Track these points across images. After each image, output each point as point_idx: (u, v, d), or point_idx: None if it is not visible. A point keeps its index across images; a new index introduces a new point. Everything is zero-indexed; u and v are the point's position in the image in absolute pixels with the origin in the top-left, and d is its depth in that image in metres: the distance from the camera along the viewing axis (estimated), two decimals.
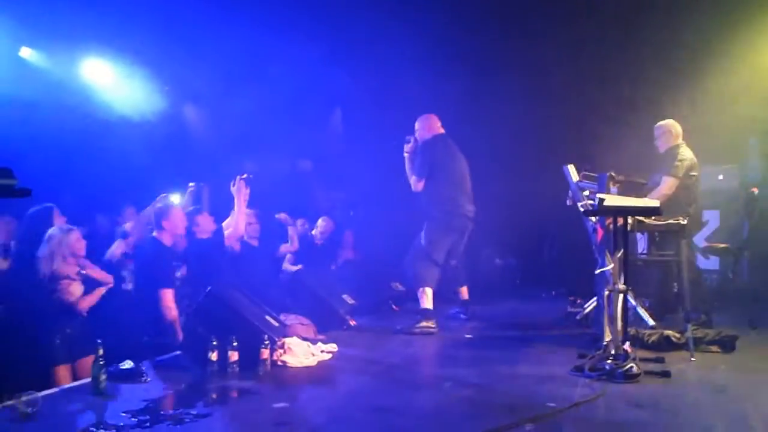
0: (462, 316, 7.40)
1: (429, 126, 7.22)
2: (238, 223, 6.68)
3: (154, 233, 6.16)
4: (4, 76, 7.44)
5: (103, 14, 7.51)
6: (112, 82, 8.77)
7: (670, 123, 6.63)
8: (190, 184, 7.52)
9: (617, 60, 8.53)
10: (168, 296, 5.79)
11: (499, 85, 9.04)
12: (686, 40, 8.32)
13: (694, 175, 6.46)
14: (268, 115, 9.73)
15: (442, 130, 7.24)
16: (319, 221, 9.10)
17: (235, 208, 6.66)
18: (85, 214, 7.54)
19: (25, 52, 7.93)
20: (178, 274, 6.34)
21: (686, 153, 6.46)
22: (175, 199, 7.87)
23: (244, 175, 6.69)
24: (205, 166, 9.35)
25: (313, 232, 8.99)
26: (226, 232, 6.68)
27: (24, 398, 3.82)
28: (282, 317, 5.82)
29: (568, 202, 6.45)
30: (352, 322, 6.99)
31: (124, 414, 3.91)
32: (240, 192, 6.62)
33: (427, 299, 6.74)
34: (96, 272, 5.58)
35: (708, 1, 8.12)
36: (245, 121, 9.80)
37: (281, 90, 9.74)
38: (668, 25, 8.50)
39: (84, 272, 5.41)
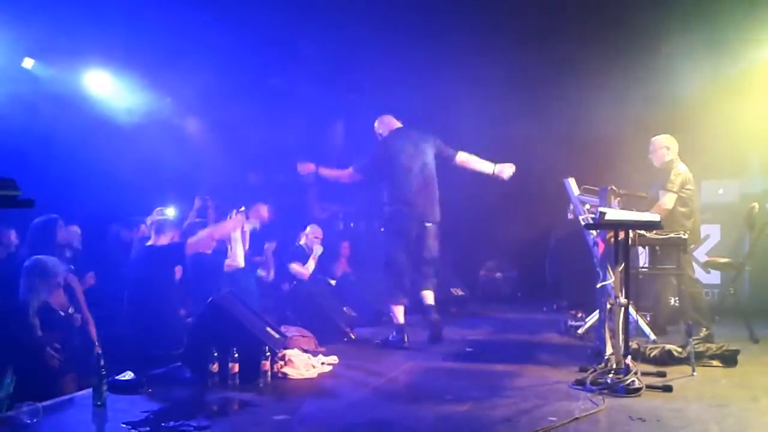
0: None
1: (385, 124, 7.05)
2: (236, 257, 6.69)
3: (149, 242, 6.28)
4: (7, 87, 7.47)
5: (105, 26, 7.54)
6: (114, 93, 8.79)
7: (665, 138, 6.68)
8: (196, 199, 7.50)
9: (618, 75, 8.55)
10: None
11: (502, 100, 9.07)
12: (687, 53, 8.34)
13: (690, 189, 6.51)
14: (270, 128, 9.75)
15: (398, 124, 7.03)
16: (308, 229, 8.47)
17: (232, 242, 6.70)
18: (91, 226, 7.58)
19: (28, 63, 7.96)
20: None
21: (681, 167, 6.51)
22: (171, 212, 7.90)
23: (242, 208, 6.78)
24: (207, 178, 9.39)
25: (302, 242, 8.34)
26: (226, 262, 6.71)
27: (25, 408, 3.82)
28: (283, 329, 5.83)
29: (570, 216, 6.46)
30: (353, 335, 6.99)
31: (124, 425, 3.93)
32: (237, 227, 6.68)
33: (397, 314, 6.63)
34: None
35: (710, 14, 8.14)
36: (247, 133, 9.83)
37: (284, 103, 9.78)
38: (667, 37, 8.54)
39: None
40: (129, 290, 6.06)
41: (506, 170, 6.91)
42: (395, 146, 6.80)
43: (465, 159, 6.95)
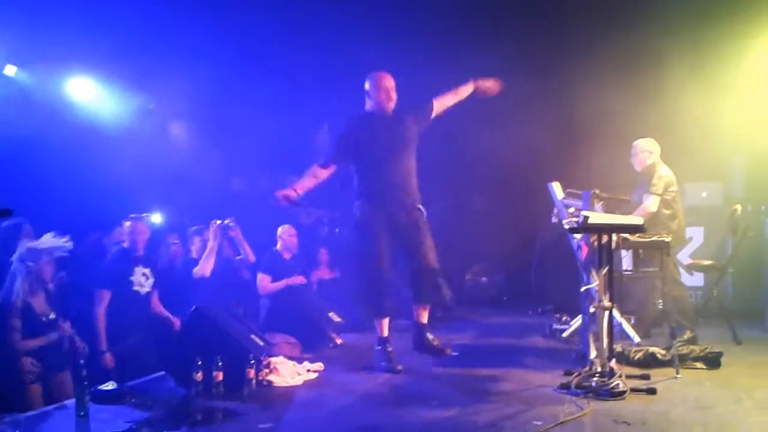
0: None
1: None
2: (205, 266, 6.66)
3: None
4: None
5: (88, 32, 7.50)
6: (97, 100, 8.74)
7: (646, 141, 6.72)
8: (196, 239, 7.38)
9: (601, 78, 8.58)
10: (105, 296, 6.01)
11: (486, 103, 9.08)
12: (668, 57, 8.40)
13: (673, 191, 6.55)
14: (254, 132, 9.72)
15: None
16: (280, 230, 7.88)
17: (207, 250, 6.68)
18: (70, 231, 7.51)
19: (10, 70, 7.89)
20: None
21: (664, 170, 6.55)
22: (156, 218, 7.85)
23: (227, 221, 6.74)
24: (190, 183, 9.34)
25: (278, 246, 7.88)
26: (194, 270, 6.69)
27: (6, 419, 3.78)
28: (267, 336, 5.80)
29: (554, 219, 6.48)
30: (339, 341, 6.97)
31: None
32: (216, 237, 6.67)
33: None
34: None
35: (693, 18, 8.20)
36: (231, 138, 9.80)
37: (269, 108, 9.76)
38: (650, 42, 8.59)
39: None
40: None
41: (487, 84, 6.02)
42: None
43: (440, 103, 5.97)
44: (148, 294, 6.36)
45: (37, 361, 5.09)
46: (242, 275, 7.69)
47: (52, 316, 5.32)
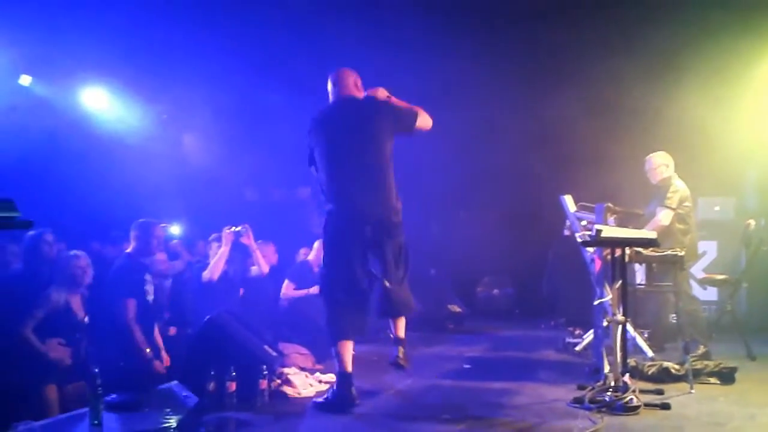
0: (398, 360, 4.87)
1: (331, 91, 5.22)
2: (214, 270, 6.70)
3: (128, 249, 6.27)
4: (3, 103, 7.48)
5: (102, 43, 7.58)
6: (111, 110, 8.80)
7: (661, 155, 6.70)
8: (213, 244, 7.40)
9: (614, 91, 8.59)
10: (132, 305, 5.87)
11: (498, 114, 9.10)
12: (681, 71, 8.39)
13: (687, 206, 6.52)
14: (267, 144, 9.77)
15: (348, 92, 5.13)
16: (317, 244, 7.82)
17: (217, 255, 6.71)
18: (82, 240, 7.55)
19: (25, 80, 7.96)
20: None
21: (679, 184, 6.53)
22: (175, 229, 7.88)
23: (239, 228, 6.76)
24: (204, 195, 9.39)
25: (310, 257, 7.89)
26: (203, 274, 6.72)
27: (21, 428, 3.80)
28: (280, 347, 5.80)
29: (566, 233, 6.46)
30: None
31: None
32: (227, 243, 6.69)
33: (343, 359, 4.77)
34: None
35: (706, 33, 8.19)
36: (244, 149, 9.85)
37: (281, 119, 9.81)
38: (663, 56, 8.59)
39: None
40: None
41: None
42: (337, 122, 4.99)
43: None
44: (154, 301, 6.29)
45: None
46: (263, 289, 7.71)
47: (87, 319, 5.44)
